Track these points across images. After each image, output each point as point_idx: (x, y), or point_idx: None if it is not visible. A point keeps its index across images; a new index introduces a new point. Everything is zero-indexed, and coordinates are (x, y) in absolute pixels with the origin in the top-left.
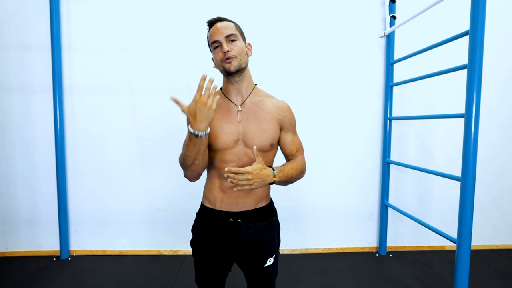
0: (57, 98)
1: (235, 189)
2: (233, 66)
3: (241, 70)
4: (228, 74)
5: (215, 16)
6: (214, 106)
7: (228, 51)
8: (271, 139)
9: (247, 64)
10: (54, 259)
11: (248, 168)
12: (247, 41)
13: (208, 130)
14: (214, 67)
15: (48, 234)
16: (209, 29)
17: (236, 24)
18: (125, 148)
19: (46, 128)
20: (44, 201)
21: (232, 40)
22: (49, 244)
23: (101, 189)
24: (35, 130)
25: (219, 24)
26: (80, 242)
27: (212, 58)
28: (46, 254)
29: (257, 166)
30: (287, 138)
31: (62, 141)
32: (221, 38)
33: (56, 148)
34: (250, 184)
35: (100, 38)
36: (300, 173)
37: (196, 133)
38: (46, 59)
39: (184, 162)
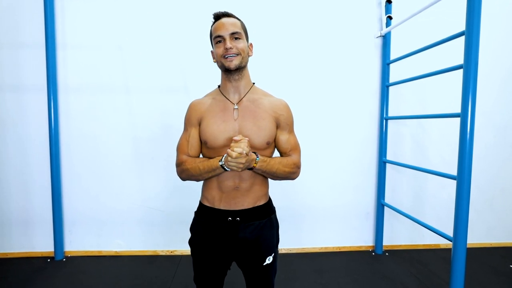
0: (52, 97)
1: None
2: (233, 64)
3: (240, 69)
4: (227, 71)
5: (222, 11)
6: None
7: (231, 48)
8: (268, 137)
9: (247, 63)
10: (49, 260)
11: (246, 152)
12: (249, 41)
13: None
14: (214, 61)
15: (42, 235)
16: (214, 22)
17: (242, 23)
18: (120, 148)
19: (41, 127)
20: (38, 201)
21: (236, 38)
22: (43, 245)
23: (96, 189)
24: (29, 129)
25: (225, 20)
26: (75, 242)
27: (211, 51)
28: (40, 255)
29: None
30: (282, 136)
31: (57, 140)
32: (225, 34)
33: (50, 147)
34: (239, 167)
35: (95, 37)
36: (289, 172)
37: (226, 168)
38: (41, 57)
39: (193, 177)
